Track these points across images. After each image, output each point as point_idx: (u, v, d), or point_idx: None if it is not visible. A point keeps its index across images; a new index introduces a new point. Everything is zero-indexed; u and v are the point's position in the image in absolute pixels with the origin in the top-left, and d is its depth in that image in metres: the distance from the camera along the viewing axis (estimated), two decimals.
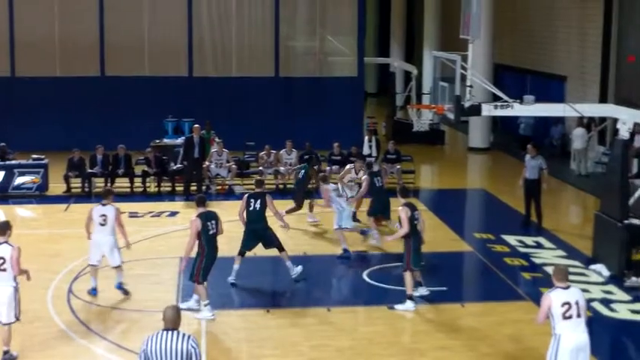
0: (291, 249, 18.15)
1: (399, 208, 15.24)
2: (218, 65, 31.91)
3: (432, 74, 39.82)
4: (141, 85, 31.00)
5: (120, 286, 15.66)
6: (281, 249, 16.47)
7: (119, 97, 30.85)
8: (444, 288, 16.18)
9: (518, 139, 31.41)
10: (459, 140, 35.41)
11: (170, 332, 8.87)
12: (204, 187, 24.24)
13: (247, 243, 16.32)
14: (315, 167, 23.58)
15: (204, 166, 24.29)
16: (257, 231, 16.22)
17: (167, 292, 15.88)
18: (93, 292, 15.52)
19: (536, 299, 15.56)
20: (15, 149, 25.35)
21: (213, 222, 14.65)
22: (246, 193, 18.22)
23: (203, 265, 14.50)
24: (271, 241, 16.39)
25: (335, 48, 33.38)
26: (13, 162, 24.43)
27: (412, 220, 14.94)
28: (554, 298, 10.56)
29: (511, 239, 19.71)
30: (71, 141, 25.87)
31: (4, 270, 12.32)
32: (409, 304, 15.01)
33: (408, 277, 15.06)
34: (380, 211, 19.60)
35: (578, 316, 10.52)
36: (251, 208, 16.23)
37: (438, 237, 19.59)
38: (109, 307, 15.04)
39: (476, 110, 18.33)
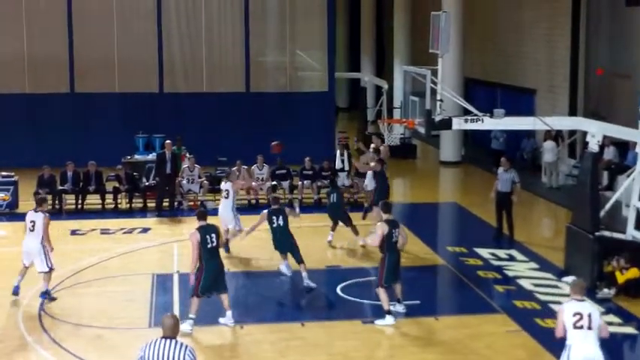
0: (265, 265, 18.20)
1: (378, 223, 15.25)
2: (189, 81, 31.86)
3: (403, 88, 40.07)
4: (111, 101, 30.88)
5: (44, 296, 15.71)
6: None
7: (89, 113, 30.72)
8: (418, 302, 16.17)
9: (491, 153, 31.54)
10: (431, 154, 35.52)
11: (168, 340, 8.92)
12: (176, 203, 24.18)
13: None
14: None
15: (176, 181, 24.22)
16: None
17: (139, 309, 15.76)
18: (15, 289, 16.01)
19: (510, 312, 15.67)
20: None
21: (213, 235, 14.59)
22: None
23: (202, 278, 14.41)
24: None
25: (305, 63, 33.45)
26: None
27: (390, 238, 14.93)
28: (567, 308, 10.69)
29: (484, 252, 19.77)
30: (41, 158, 25.68)
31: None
32: (389, 319, 14.97)
33: (382, 293, 15.03)
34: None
35: (589, 328, 10.57)
36: (274, 225, 17.07)
37: (412, 251, 19.60)
38: (81, 324, 14.88)
39: (446, 124, 18.37)
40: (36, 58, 30.77)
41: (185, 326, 14.21)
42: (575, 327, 10.56)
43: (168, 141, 24.53)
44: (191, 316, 14.46)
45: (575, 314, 10.61)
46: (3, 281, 17.30)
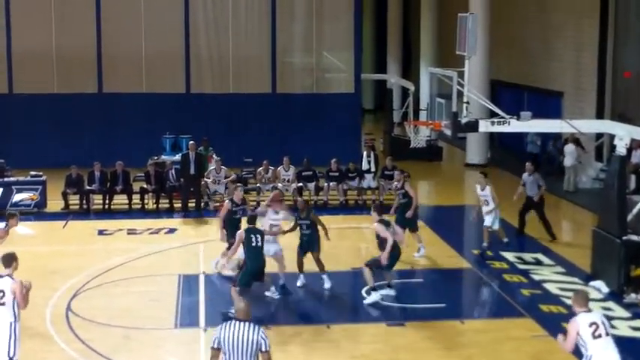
0: (292, 267, 18.22)
1: (374, 224, 16.00)
2: (215, 82, 31.97)
3: (429, 90, 40.06)
4: (138, 101, 31.04)
5: None
6: None
7: (117, 113, 30.90)
8: (443, 304, 16.16)
9: (527, 157, 31.40)
10: (457, 156, 35.42)
11: (242, 322, 9.47)
12: (202, 204, 24.26)
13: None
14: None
15: (202, 182, 24.32)
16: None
17: (165, 309, 15.84)
18: None
19: (536, 316, 15.61)
20: (13, 166, 25.31)
21: (258, 236, 15.32)
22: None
23: (242, 273, 15.31)
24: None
25: (332, 64, 33.48)
26: (12, 179, 24.43)
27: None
28: (581, 321, 10.55)
29: (510, 256, 19.70)
30: (69, 158, 25.87)
31: (3, 304, 11.38)
32: (374, 295, 15.86)
33: (367, 272, 15.97)
34: None
35: (607, 334, 10.51)
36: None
37: (436, 253, 19.58)
38: (108, 324, 14.98)
39: (473, 126, 18.33)
40: (64, 58, 30.98)
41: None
42: (594, 337, 10.44)
43: (192, 142, 24.64)
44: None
45: (590, 324, 10.49)
46: (34, 280, 17.41)
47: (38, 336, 14.42)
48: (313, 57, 32.95)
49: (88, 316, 15.23)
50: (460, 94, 18.06)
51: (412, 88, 34.92)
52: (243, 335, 9.38)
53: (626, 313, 15.93)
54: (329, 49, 33.12)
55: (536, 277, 18.14)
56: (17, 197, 23.93)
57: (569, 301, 16.24)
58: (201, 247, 20.12)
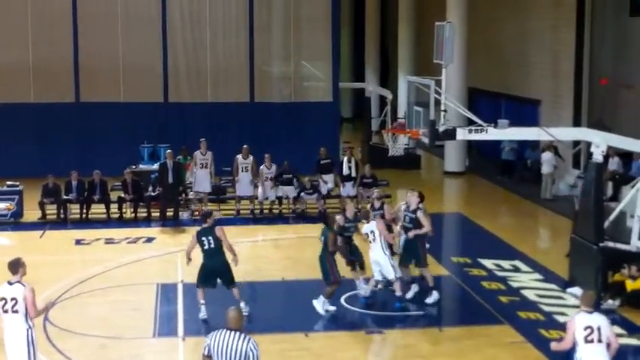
0: (269, 275, 18.23)
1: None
2: (193, 91, 31.91)
3: (407, 99, 40.05)
4: (116, 111, 30.91)
5: None
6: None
7: (94, 123, 30.73)
8: (422, 312, 16.18)
9: (500, 164, 31.60)
10: (435, 164, 35.51)
11: (232, 332, 9.33)
12: (185, 214, 24.31)
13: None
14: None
15: (191, 182, 24.68)
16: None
17: (144, 319, 15.78)
18: None
19: (514, 323, 15.65)
20: None
21: (210, 238, 15.34)
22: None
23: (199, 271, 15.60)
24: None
25: (310, 73, 33.49)
26: None
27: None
28: (578, 321, 10.61)
29: (488, 263, 19.75)
30: (46, 167, 25.70)
31: (17, 312, 11.25)
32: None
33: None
34: None
35: (599, 341, 10.53)
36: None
37: None
38: (85, 334, 14.89)
39: (450, 134, 18.37)
40: (41, 67, 30.83)
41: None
42: (586, 341, 10.50)
43: (169, 150, 24.59)
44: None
45: (586, 328, 10.54)
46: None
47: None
48: (291, 66, 32.94)
49: (65, 325, 15.10)
50: (438, 103, 18.12)
51: (390, 96, 34.98)
52: (232, 345, 9.27)
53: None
54: (307, 58, 33.12)
55: (514, 284, 18.20)
56: None
57: (547, 308, 16.48)
58: (179, 256, 20.00)
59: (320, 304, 15.85)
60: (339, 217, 16.89)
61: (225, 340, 9.29)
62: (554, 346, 11.05)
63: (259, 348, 9.37)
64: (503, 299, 17.23)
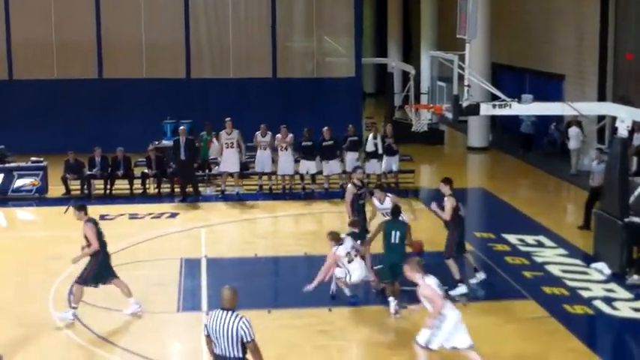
0: (292, 250, 18.27)
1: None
2: (216, 67, 31.91)
3: (430, 74, 39.91)
4: (139, 87, 30.98)
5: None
6: None
7: (117, 99, 30.84)
8: (446, 287, 16.10)
9: (520, 137, 31.46)
10: (458, 140, 35.39)
11: (225, 312, 9.49)
12: (204, 189, 24.36)
13: None
14: None
15: (215, 159, 24.70)
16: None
17: (168, 294, 15.88)
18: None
19: (538, 298, 15.61)
20: (14, 152, 25.30)
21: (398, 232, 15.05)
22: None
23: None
24: None
25: (332, 49, 33.41)
26: (13, 164, 24.45)
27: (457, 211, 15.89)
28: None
29: (512, 238, 19.70)
30: (69, 143, 25.78)
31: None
32: (462, 288, 15.77)
33: (452, 264, 15.88)
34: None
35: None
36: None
37: (439, 236, 19.50)
38: (109, 308, 14.98)
39: (474, 110, 18.30)
40: (64, 44, 30.95)
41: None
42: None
43: (182, 127, 24.53)
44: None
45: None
46: (36, 265, 17.51)
47: (40, 321, 14.49)
48: (314, 41, 32.88)
49: (89, 300, 15.09)
50: (461, 78, 18.03)
51: (413, 71, 34.76)
52: (225, 324, 9.46)
53: (628, 295, 15.92)
54: (330, 33, 33.04)
55: (538, 259, 18.15)
56: (18, 183, 23.99)
57: (571, 283, 16.42)
58: (203, 232, 20.12)
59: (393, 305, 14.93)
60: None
61: (219, 320, 9.48)
62: None
63: (251, 325, 9.51)
64: (528, 274, 17.19)
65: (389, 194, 17.08)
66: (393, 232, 14.97)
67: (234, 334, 9.42)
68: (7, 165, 24.34)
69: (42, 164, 24.34)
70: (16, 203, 23.62)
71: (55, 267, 16.96)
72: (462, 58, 18.16)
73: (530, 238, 19.72)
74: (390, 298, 14.84)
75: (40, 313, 14.82)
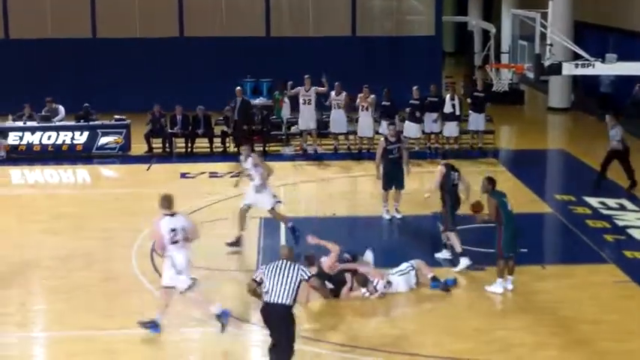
0: (368, 210, 18.37)
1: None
2: (296, 25, 31.94)
3: (511, 33, 39.32)
4: (219, 46, 31.18)
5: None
6: None
7: (197, 57, 31.11)
8: (525, 250, 16.02)
9: (599, 98, 30.94)
10: (539, 100, 34.94)
11: (286, 261, 10.79)
12: (282, 148, 24.54)
13: None
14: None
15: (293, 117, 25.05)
16: None
17: (247, 251, 16.14)
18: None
19: (619, 262, 15.42)
20: (97, 110, 25.77)
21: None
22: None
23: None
24: None
25: (412, 7, 33.16)
26: (97, 122, 24.96)
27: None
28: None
29: (593, 201, 19.44)
30: (151, 102, 26.07)
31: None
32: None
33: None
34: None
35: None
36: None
37: (518, 198, 19.34)
38: (191, 265, 15.18)
39: (556, 69, 18.10)
40: (147, 2, 31.30)
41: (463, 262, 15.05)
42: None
43: (238, 87, 24.68)
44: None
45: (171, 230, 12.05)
46: (118, 221, 17.90)
47: (124, 276, 14.88)
48: (393, 0, 32.66)
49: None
50: (543, 36, 17.80)
51: (493, 30, 34.36)
52: (286, 270, 10.62)
53: None
54: None
55: (620, 223, 17.90)
56: (102, 140, 24.54)
57: None
58: (282, 190, 20.25)
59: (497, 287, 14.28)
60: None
61: (280, 267, 10.66)
62: None
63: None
64: (609, 238, 16.98)
65: (252, 154, 16.57)
66: (506, 201, 14.21)
67: (294, 277, 10.57)
68: (91, 123, 24.82)
69: (125, 122, 24.77)
70: (100, 161, 24.12)
71: (137, 224, 17.18)
72: (544, 16, 17.93)
73: (611, 201, 19.43)
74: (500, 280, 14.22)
75: (123, 268, 15.20)
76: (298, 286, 10.62)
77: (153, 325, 12.32)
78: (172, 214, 12.29)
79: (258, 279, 10.76)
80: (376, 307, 13.56)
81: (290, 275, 10.56)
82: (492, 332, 12.58)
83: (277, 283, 10.49)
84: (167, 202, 12.33)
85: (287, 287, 10.48)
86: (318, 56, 30.92)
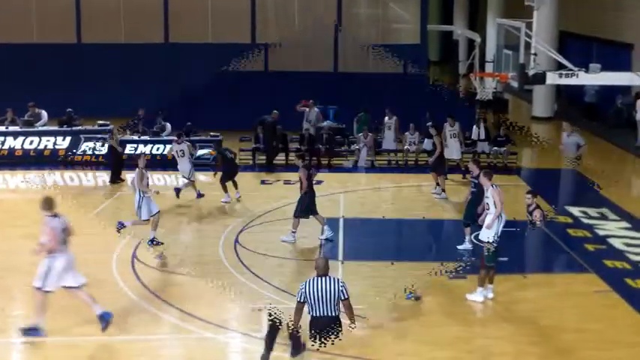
0: (414, 214, 19.66)
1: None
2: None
3: (496, 42, 39.52)
4: (300, 79, 30.34)
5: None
6: None
7: (281, 89, 29.57)
8: (506, 259, 16.05)
9: (582, 107, 31.06)
10: (523, 109, 35.04)
11: (323, 278, 11.05)
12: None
13: None
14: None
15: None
16: None
17: (313, 245, 17.48)
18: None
19: (600, 271, 15.47)
20: (81, 115, 25.72)
21: None
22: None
23: None
24: None
25: (398, 15, 33.19)
26: (80, 128, 25.23)
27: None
28: None
29: (574, 210, 19.52)
30: (239, 121, 26.86)
31: None
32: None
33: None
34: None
35: None
36: None
37: None
38: (266, 254, 16.71)
39: (540, 78, 18.19)
40: (131, 8, 31.29)
41: None
42: None
43: (275, 111, 25.73)
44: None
45: None
46: (98, 227, 17.88)
47: (212, 261, 16.30)
48: (379, 8, 32.71)
49: (251, 247, 17.14)
50: (528, 46, 17.86)
51: (478, 39, 34.51)
52: (326, 287, 10.94)
53: None
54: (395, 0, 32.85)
55: (600, 232, 17.97)
56: (199, 152, 24.75)
57: (634, 257, 16.24)
58: (342, 197, 21.56)
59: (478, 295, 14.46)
60: None
61: (319, 285, 10.97)
62: None
63: (347, 286, 11.12)
64: (590, 247, 17.05)
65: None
66: None
67: (335, 294, 10.94)
68: (74, 128, 24.92)
69: (218, 138, 25.33)
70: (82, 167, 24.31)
71: (224, 220, 19.34)
72: (529, 26, 18.01)
73: (593, 211, 19.51)
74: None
75: (211, 255, 16.68)
76: (338, 302, 11.02)
77: (34, 331, 12.62)
78: (55, 215, 12.60)
79: (301, 300, 11.05)
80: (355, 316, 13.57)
81: (332, 290, 10.95)
82: (473, 341, 12.61)
83: (321, 299, 10.94)
84: (48, 204, 12.62)
85: (331, 302, 10.96)
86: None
